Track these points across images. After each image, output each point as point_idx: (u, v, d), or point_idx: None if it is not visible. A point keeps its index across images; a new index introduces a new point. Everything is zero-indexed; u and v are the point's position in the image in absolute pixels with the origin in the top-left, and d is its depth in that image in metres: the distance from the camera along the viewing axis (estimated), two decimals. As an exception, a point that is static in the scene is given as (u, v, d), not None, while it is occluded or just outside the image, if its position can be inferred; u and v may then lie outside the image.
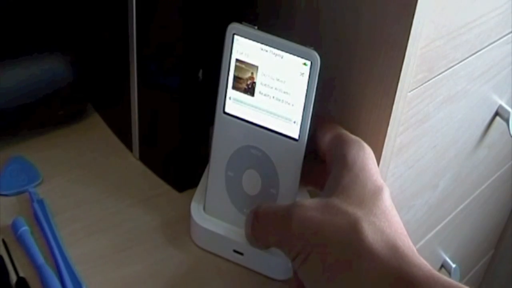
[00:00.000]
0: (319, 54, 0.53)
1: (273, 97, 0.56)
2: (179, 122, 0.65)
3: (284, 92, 0.56)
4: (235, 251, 0.62)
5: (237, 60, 0.56)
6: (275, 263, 0.61)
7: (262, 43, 0.54)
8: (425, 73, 0.59)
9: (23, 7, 0.68)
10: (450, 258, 0.97)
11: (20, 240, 0.61)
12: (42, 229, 0.62)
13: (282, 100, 0.56)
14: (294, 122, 0.56)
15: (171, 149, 0.68)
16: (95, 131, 0.76)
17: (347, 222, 0.49)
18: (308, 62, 0.54)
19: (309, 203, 0.52)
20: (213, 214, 0.63)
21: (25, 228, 0.62)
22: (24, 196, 0.66)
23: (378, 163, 0.60)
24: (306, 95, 0.55)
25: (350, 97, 0.61)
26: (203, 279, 0.61)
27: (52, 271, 0.58)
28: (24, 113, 0.71)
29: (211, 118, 0.59)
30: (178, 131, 0.66)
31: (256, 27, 0.55)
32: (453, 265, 0.96)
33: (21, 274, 0.59)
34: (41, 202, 0.64)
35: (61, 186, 0.68)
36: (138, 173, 0.71)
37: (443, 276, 0.46)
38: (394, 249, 0.47)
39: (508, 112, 0.79)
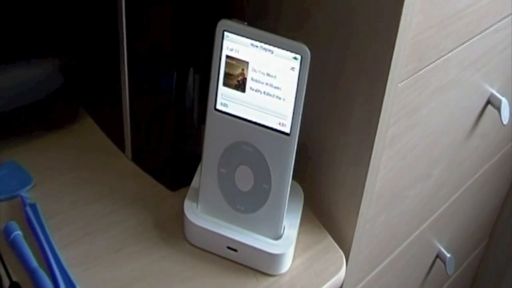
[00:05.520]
0: (309, 48, 0.53)
1: (264, 92, 0.56)
2: (171, 122, 0.65)
3: (275, 87, 0.55)
4: (229, 247, 0.62)
5: (227, 56, 0.55)
6: (269, 258, 0.61)
7: (252, 39, 0.54)
8: (416, 63, 0.59)
9: (14, 11, 0.68)
10: (444, 248, 0.97)
11: (13, 244, 0.61)
12: (34, 233, 0.61)
13: (273, 95, 0.56)
14: (286, 117, 0.56)
15: (163, 149, 0.68)
16: (87, 134, 0.75)
17: None
18: (298, 56, 0.54)
19: None
20: (207, 212, 0.62)
21: (17, 233, 0.61)
22: (16, 200, 0.66)
23: (370, 155, 0.60)
24: (297, 90, 0.55)
25: (341, 89, 0.61)
26: (197, 277, 0.61)
27: (46, 275, 0.58)
28: (16, 117, 0.70)
29: (203, 117, 0.59)
30: (169, 131, 0.65)
31: (245, 23, 0.55)
32: (448, 255, 0.96)
33: (14, 279, 0.58)
34: (33, 206, 0.64)
35: (54, 190, 0.68)
36: (131, 174, 0.71)
37: None
38: None
39: (500, 100, 0.79)
